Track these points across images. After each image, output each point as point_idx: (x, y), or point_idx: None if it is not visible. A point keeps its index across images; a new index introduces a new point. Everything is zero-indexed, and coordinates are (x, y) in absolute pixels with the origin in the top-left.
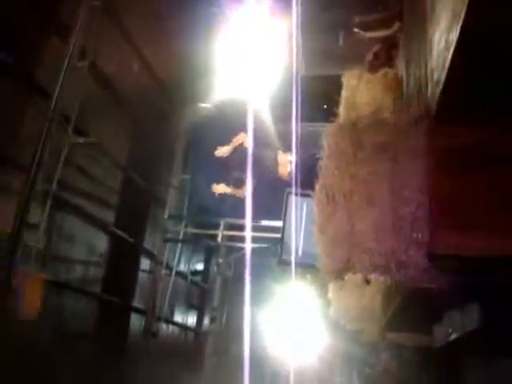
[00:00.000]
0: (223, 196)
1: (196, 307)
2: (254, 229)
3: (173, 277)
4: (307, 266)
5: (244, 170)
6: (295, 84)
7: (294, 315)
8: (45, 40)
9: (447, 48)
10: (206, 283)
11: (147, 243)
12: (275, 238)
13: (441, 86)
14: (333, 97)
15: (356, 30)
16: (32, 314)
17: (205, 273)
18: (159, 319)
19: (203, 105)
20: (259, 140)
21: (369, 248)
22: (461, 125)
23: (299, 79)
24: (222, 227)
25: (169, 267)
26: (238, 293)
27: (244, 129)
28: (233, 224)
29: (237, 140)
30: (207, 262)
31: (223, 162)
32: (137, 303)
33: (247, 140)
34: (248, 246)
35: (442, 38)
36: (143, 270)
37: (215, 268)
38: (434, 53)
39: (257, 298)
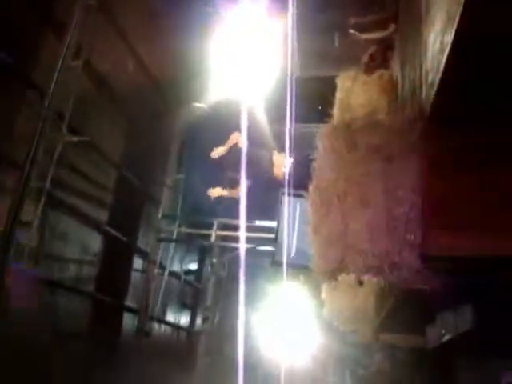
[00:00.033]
0: (218, 197)
1: (189, 307)
2: (248, 229)
3: (166, 276)
4: (301, 267)
5: (238, 170)
6: (289, 85)
7: (287, 315)
8: (41, 38)
9: (442, 50)
10: (200, 283)
11: (141, 242)
12: (269, 239)
13: (435, 88)
14: (328, 98)
15: (351, 31)
16: (25, 312)
17: (198, 272)
18: (152, 318)
19: (198, 104)
20: (254, 140)
21: (362, 249)
22: (455, 127)
23: (294, 80)
24: (215, 227)
25: (162, 267)
26: (231, 293)
27: (238, 129)
28: (226, 224)
29: (231, 140)
30: (201, 262)
31: (218, 161)
32: (130, 302)
33: (242, 140)
34: (242, 246)
35: (437, 39)
36: (136, 270)
37: (209, 268)
38: (429, 55)
39: (250, 299)
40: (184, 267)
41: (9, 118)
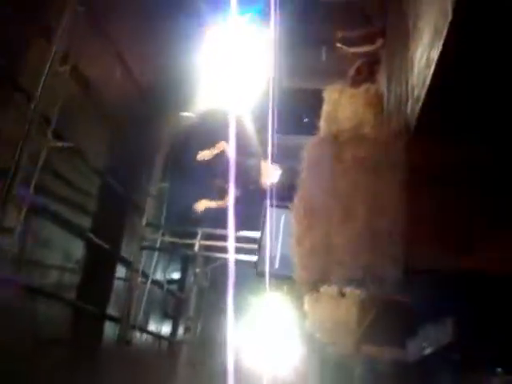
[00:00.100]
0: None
1: (171, 316)
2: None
3: (148, 285)
4: (284, 278)
5: (225, 180)
6: (271, 98)
7: (270, 326)
8: (29, 42)
9: (428, 65)
10: (182, 292)
11: (124, 251)
12: (253, 249)
13: (420, 103)
14: (315, 110)
15: (339, 45)
16: (5, 318)
17: (181, 282)
18: (133, 327)
19: (185, 114)
20: (241, 150)
21: (345, 261)
22: (440, 142)
23: (281, 92)
24: (199, 237)
25: (145, 275)
26: (213, 303)
27: (225, 138)
28: (210, 234)
29: (218, 147)
30: (184, 272)
31: (203, 170)
32: (112, 310)
33: (228, 149)
34: (231, 256)
35: (424, 54)
36: (119, 278)
37: (191, 278)
38: (415, 70)
39: (233, 309)
40: (167, 276)
41: None
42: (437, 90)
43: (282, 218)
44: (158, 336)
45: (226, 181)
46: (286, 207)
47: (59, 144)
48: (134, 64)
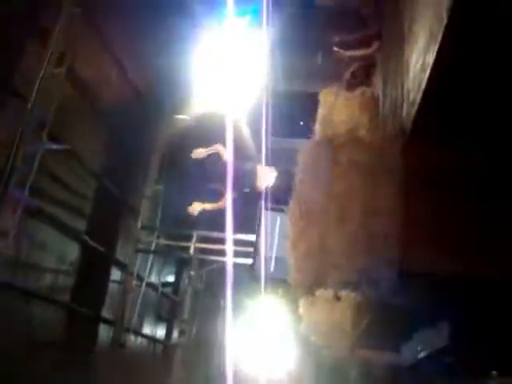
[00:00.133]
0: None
1: (166, 319)
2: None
3: (143, 288)
4: (279, 281)
5: (220, 183)
6: (266, 100)
7: (265, 329)
8: (24, 44)
9: (423, 69)
10: (177, 295)
11: (119, 253)
12: (249, 252)
13: (416, 107)
14: (310, 113)
15: (335, 48)
16: None
17: (175, 285)
18: (128, 330)
19: (180, 116)
20: (236, 153)
21: (340, 264)
22: (436, 146)
23: (278, 96)
24: (194, 239)
25: (139, 278)
26: (208, 306)
27: (221, 141)
28: (205, 237)
29: (214, 147)
30: (178, 274)
31: (199, 173)
32: (106, 313)
33: (224, 151)
34: (229, 259)
35: (419, 59)
36: (113, 280)
37: (186, 280)
38: (411, 74)
39: (228, 312)
40: (162, 279)
41: None
42: (432, 94)
43: (278, 220)
44: (152, 339)
45: (222, 183)
46: (282, 210)
47: (54, 146)
48: (130, 66)
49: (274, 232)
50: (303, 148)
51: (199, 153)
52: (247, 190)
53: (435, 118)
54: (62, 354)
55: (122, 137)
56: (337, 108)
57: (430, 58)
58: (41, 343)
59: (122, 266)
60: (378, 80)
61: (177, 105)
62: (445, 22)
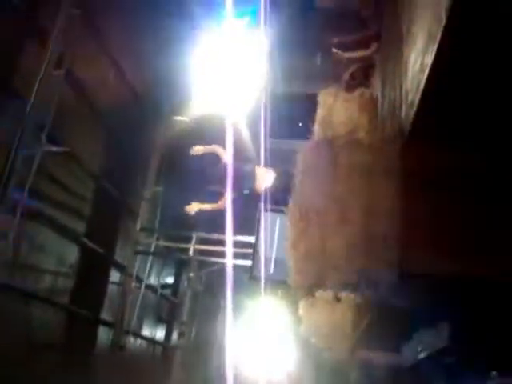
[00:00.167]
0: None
1: (165, 321)
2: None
3: (142, 290)
4: (279, 282)
5: (219, 184)
6: (265, 102)
7: (265, 331)
8: (23, 45)
9: (422, 70)
10: (176, 297)
11: (118, 255)
12: (248, 254)
13: (415, 108)
14: (310, 115)
15: (334, 50)
16: None
17: (175, 287)
18: (127, 332)
19: (179, 118)
20: (236, 154)
21: (340, 265)
22: (434, 147)
23: (275, 97)
24: (193, 241)
25: (139, 280)
26: (208, 307)
27: (220, 142)
28: (205, 238)
29: (212, 147)
30: (178, 276)
31: (198, 175)
32: (105, 315)
33: (223, 152)
34: (229, 261)
35: (418, 60)
36: (113, 282)
37: (185, 282)
38: (409, 75)
39: (228, 314)
40: (161, 281)
41: None
42: (431, 95)
43: (277, 222)
44: (151, 341)
45: (221, 185)
46: (281, 211)
47: (53, 148)
48: (129, 68)
49: (273, 233)
50: (303, 149)
51: (198, 150)
52: (246, 191)
53: (434, 119)
54: (62, 356)
55: (120, 138)
56: (336, 109)
57: (429, 59)
58: (40, 345)
59: (122, 268)
60: (376, 81)
61: (175, 106)
62: (444, 22)
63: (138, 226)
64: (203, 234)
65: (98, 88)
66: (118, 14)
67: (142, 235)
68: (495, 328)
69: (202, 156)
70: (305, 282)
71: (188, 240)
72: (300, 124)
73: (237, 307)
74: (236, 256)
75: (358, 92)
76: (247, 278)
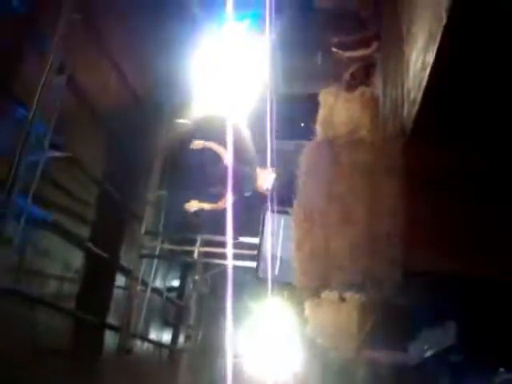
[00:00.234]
0: (200, 212)
1: (171, 324)
2: (232, 245)
3: (148, 293)
4: (284, 284)
5: (222, 186)
6: (269, 102)
7: (271, 332)
8: (25, 52)
9: (424, 68)
10: (182, 300)
11: (123, 259)
12: (253, 255)
13: (417, 107)
14: (311, 115)
15: (335, 49)
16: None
17: (180, 289)
18: (134, 336)
19: (181, 121)
20: (237, 155)
21: (344, 265)
22: (435, 146)
23: (277, 97)
24: (198, 243)
25: (144, 283)
26: (214, 310)
27: (222, 144)
28: (209, 240)
29: (212, 144)
30: (183, 279)
31: (201, 178)
32: (111, 319)
33: (224, 154)
34: (230, 263)
35: (419, 58)
36: (118, 286)
37: (191, 285)
38: (411, 73)
39: (234, 316)
40: (166, 284)
41: None
42: (433, 93)
43: (282, 223)
44: (158, 344)
45: (223, 186)
46: (286, 212)
47: (56, 154)
48: (130, 71)
49: (278, 234)
50: (304, 150)
51: (197, 144)
52: (249, 192)
53: (435, 117)
54: (68, 361)
55: (122, 142)
56: (337, 109)
57: (430, 58)
58: (46, 351)
59: (127, 272)
60: (377, 80)
61: (177, 109)
62: (444, 21)
63: (143, 230)
64: (208, 236)
65: (100, 92)
66: (119, 16)
67: (147, 239)
68: (496, 328)
69: (205, 158)
70: (310, 283)
71: (193, 242)
72: (302, 124)
73: (243, 309)
74: (241, 257)
75: (358, 91)
76: (252, 280)
